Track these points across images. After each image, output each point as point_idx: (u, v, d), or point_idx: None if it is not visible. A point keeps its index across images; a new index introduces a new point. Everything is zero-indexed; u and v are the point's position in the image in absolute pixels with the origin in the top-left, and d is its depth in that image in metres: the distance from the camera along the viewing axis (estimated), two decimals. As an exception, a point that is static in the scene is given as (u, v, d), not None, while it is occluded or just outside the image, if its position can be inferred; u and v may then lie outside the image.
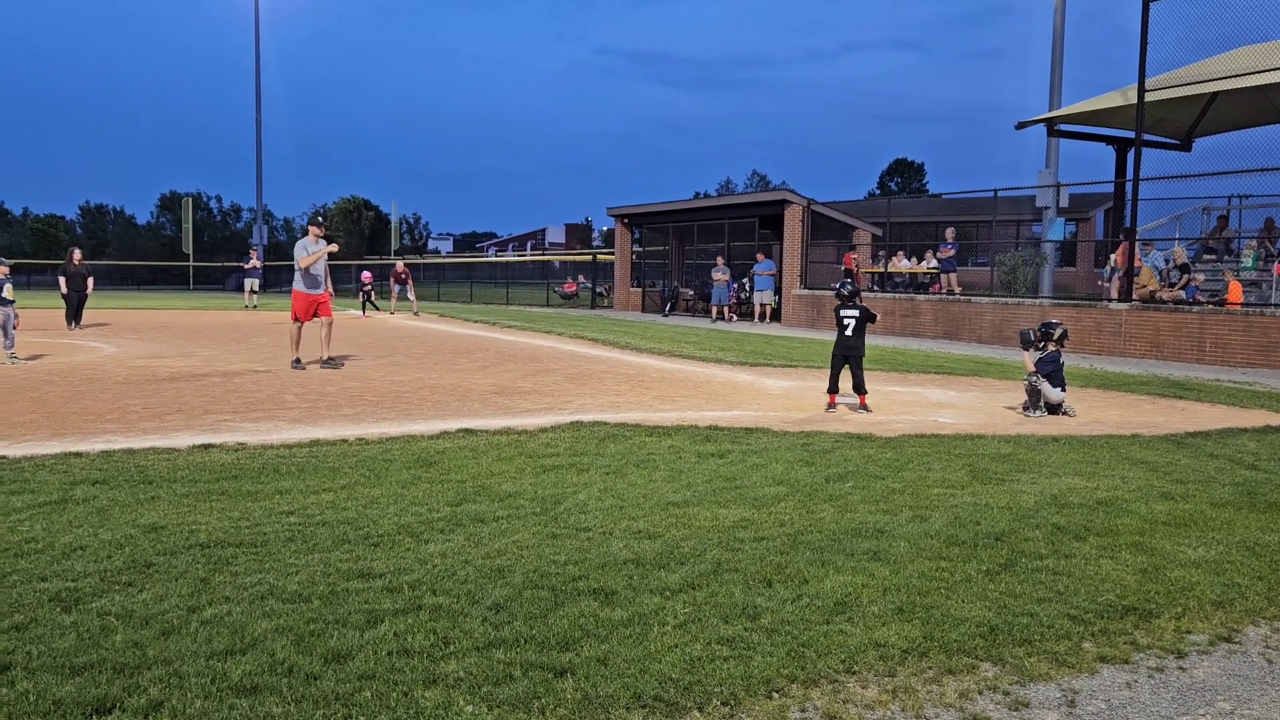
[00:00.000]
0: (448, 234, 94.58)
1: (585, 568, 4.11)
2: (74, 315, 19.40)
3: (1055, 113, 20.66)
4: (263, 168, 53.38)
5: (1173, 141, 20.71)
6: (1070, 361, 11.12)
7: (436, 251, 76.69)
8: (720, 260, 26.51)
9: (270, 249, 52.57)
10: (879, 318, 9.60)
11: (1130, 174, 17.01)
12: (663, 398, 9.92)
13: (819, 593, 3.87)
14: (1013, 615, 3.69)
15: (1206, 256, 18.86)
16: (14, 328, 12.70)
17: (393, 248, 54.97)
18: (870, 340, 9.38)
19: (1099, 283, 19.24)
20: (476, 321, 24.48)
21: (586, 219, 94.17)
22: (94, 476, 5.63)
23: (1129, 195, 16.82)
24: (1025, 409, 9.08)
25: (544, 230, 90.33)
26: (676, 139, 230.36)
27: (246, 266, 33.15)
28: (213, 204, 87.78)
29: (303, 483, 5.61)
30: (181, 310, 29.38)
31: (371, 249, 60.00)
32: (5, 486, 5.35)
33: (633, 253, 33.87)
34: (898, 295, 22.14)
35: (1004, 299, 18.87)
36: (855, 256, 24.78)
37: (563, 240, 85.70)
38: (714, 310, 26.20)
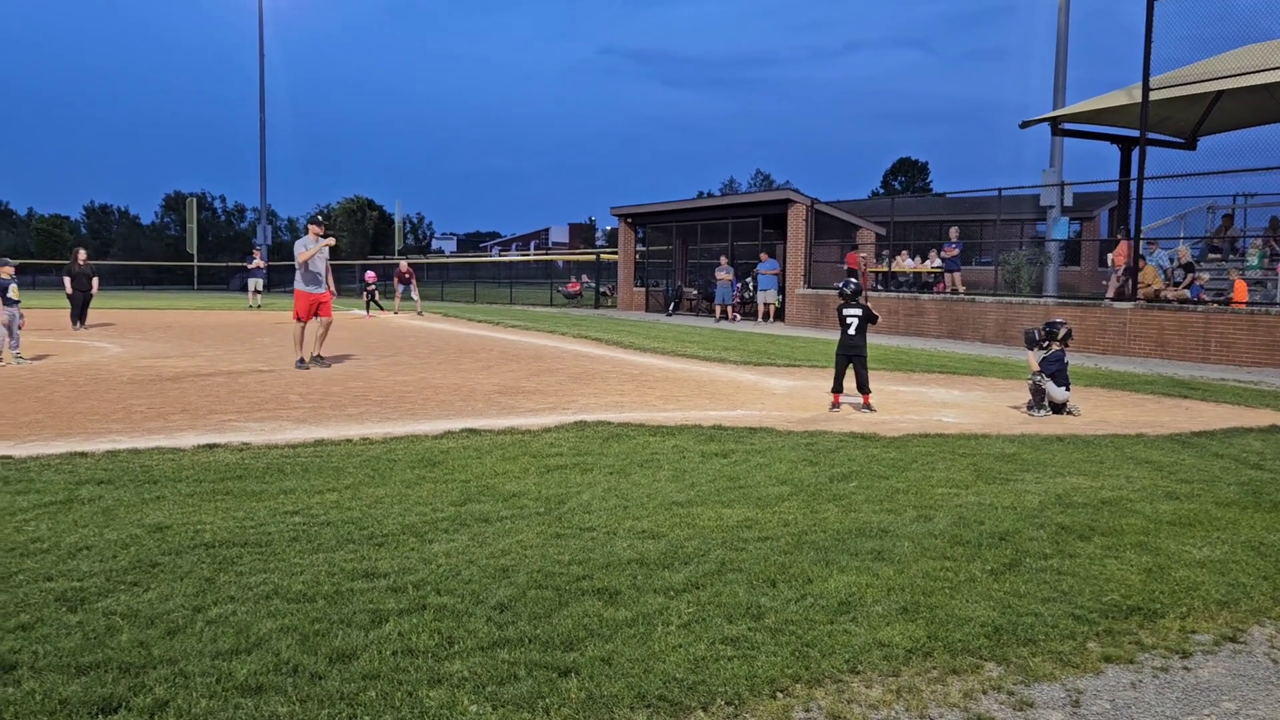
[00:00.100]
0: (451, 234, 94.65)
1: (589, 567, 4.12)
2: (79, 315, 19.45)
3: (1059, 111, 20.63)
4: (266, 168, 53.52)
5: (1177, 140, 20.67)
6: (1075, 361, 11.10)
7: (440, 251, 76.76)
8: (724, 260, 26.50)
9: (274, 249, 52.65)
10: (882, 318, 9.58)
11: (1135, 173, 16.99)
12: (666, 397, 9.92)
13: (823, 592, 3.86)
14: (1017, 615, 3.68)
15: (1211, 255, 18.82)
16: (19, 328, 12.74)
17: (396, 247, 55.04)
18: (874, 339, 9.38)
19: (1103, 282, 19.19)
20: (480, 321, 24.50)
21: (590, 219, 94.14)
22: (99, 476, 5.65)
23: (1133, 194, 16.79)
24: (1029, 408, 9.07)
25: (548, 230, 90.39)
26: (680, 138, 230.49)
27: (250, 266, 33.21)
28: (217, 204, 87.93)
29: (307, 483, 5.62)
30: (186, 310, 29.43)
31: (375, 249, 60.04)
32: (11, 486, 5.37)
33: (636, 252, 33.87)
34: (902, 294, 22.12)
35: (1008, 298, 18.84)
36: (866, 257, 24.76)
37: (566, 240, 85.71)
38: (717, 310, 26.19)
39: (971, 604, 3.79)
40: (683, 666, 3.15)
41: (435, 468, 6.09)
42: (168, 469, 5.93)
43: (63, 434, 7.18)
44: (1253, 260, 16.92)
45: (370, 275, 29.55)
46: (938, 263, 22.66)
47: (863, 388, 9.00)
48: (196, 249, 58.21)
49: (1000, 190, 20.32)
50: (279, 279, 46.19)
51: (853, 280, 9.56)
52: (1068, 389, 9.05)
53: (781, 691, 3.02)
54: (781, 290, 25.69)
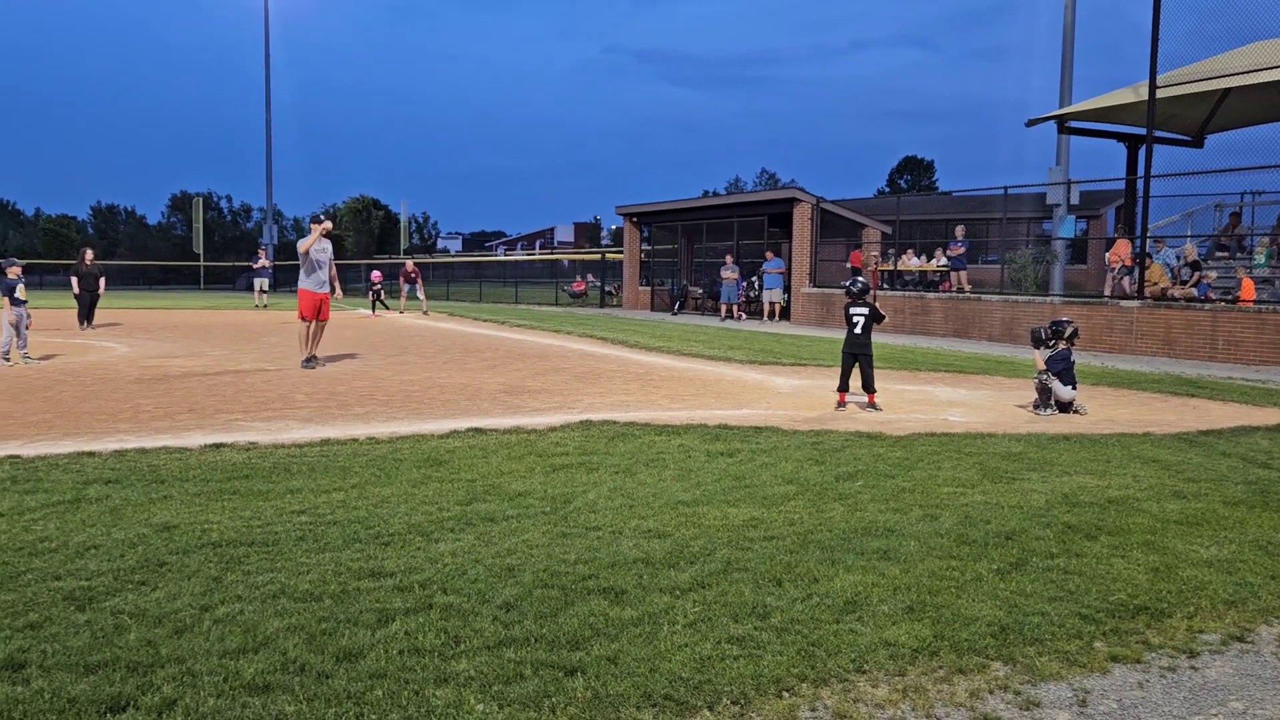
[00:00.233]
0: (457, 233, 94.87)
1: (595, 567, 4.12)
2: (86, 315, 19.51)
3: (1066, 110, 20.57)
4: (273, 167, 53.67)
5: (1184, 138, 20.60)
6: (1081, 359, 11.08)
7: (445, 251, 76.85)
8: (729, 259, 26.50)
9: (280, 248, 52.74)
10: (889, 317, 9.56)
11: (1141, 171, 16.93)
12: (672, 396, 9.92)
13: (829, 592, 3.86)
14: (1024, 614, 3.68)
15: (1219, 253, 18.76)
16: (27, 328, 12.78)
17: (402, 247, 55.12)
18: (880, 338, 9.37)
19: (1118, 281, 19.10)
20: (485, 320, 24.52)
21: (595, 218, 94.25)
22: (107, 476, 5.67)
23: (1140, 192, 16.74)
24: (1036, 407, 9.05)
25: (553, 229, 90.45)
26: (685, 137, 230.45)
27: (255, 266, 33.27)
28: (223, 204, 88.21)
29: (314, 482, 5.63)
30: (192, 310, 29.51)
31: (381, 248, 60.13)
32: (19, 486, 5.39)
33: (641, 251, 33.87)
34: (907, 293, 22.08)
35: (1014, 297, 18.80)
36: (875, 255, 24.71)
37: (571, 239, 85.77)
38: (723, 309, 26.18)
39: (978, 603, 3.79)
40: (689, 666, 3.15)
41: (441, 467, 6.10)
42: (175, 468, 5.95)
43: (70, 433, 7.21)
44: (1260, 258, 16.86)
45: (376, 275, 29.59)
46: (943, 261, 22.61)
47: (868, 387, 8.98)
48: (203, 249, 58.38)
49: (1006, 188, 20.27)
50: (285, 278, 46.28)
51: (860, 279, 9.54)
52: (1074, 388, 9.03)
53: (788, 691, 3.02)
54: (787, 289, 25.67)
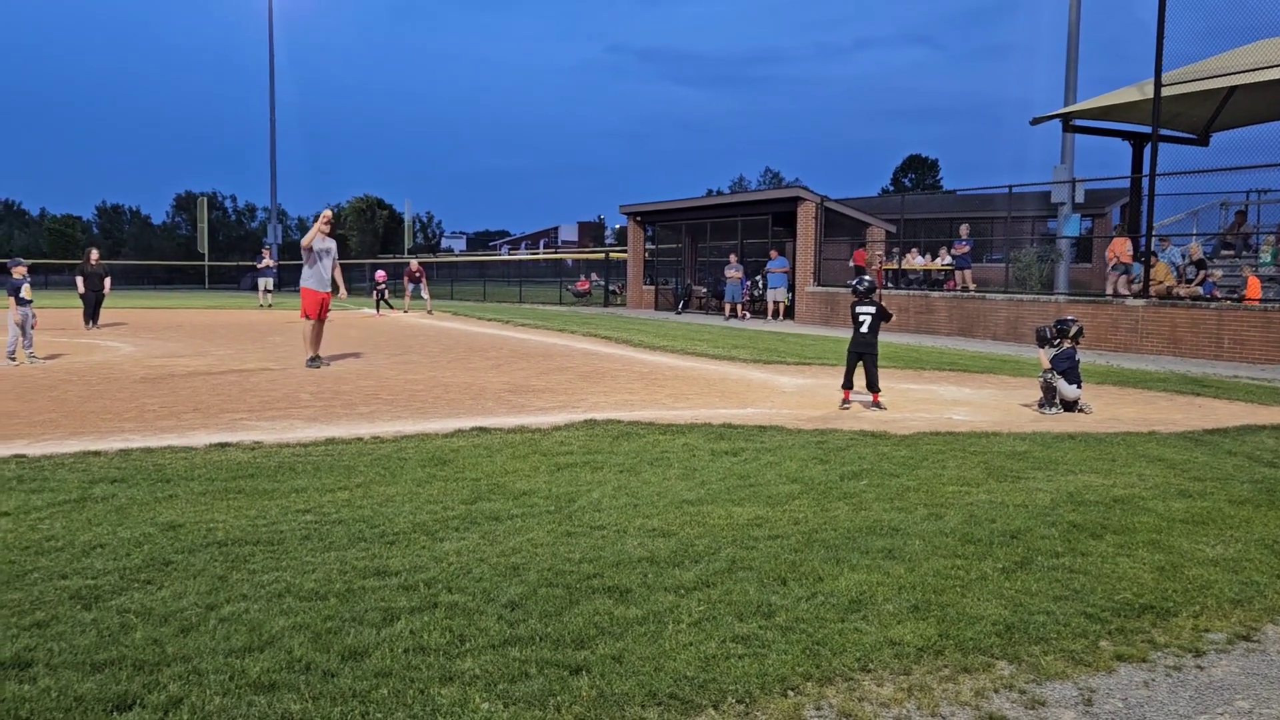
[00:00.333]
0: (461, 232, 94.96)
1: (600, 566, 4.12)
2: (91, 315, 19.55)
3: (1071, 108, 20.52)
4: (277, 167, 53.73)
5: (1190, 136, 20.54)
6: (1086, 358, 11.06)
7: (450, 250, 76.92)
8: (733, 258, 26.47)
9: (284, 248, 52.83)
10: (894, 316, 9.54)
11: (1147, 169, 16.89)
12: (676, 396, 9.92)
13: (834, 591, 3.86)
14: (1029, 613, 3.67)
15: (1225, 252, 18.71)
16: (32, 327, 12.81)
17: (406, 246, 55.16)
18: (884, 337, 9.36)
19: (1118, 279, 19.06)
20: (490, 320, 24.54)
21: (599, 217, 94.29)
22: (112, 475, 5.68)
23: (1145, 191, 16.70)
24: (1041, 406, 9.04)
25: (557, 228, 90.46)
26: (689, 136, 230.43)
27: (260, 266, 33.32)
28: (227, 204, 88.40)
29: (319, 481, 5.64)
30: (197, 309, 29.57)
31: (385, 248, 60.21)
32: (25, 485, 5.41)
33: (645, 250, 33.86)
34: (912, 292, 22.05)
35: (1019, 295, 18.77)
36: (879, 254, 24.68)
37: (575, 238, 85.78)
38: (727, 308, 26.16)
39: (983, 602, 3.78)
40: (694, 664, 3.15)
41: (446, 466, 6.10)
42: (180, 467, 5.96)
43: (76, 433, 7.23)
44: (1266, 257, 16.80)
45: (380, 274, 29.60)
46: (948, 260, 22.58)
47: (873, 386, 8.97)
48: (207, 248, 58.48)
49: (1011, 187, 20.25)
50: (289, 278, 46.35)
51: (867, 277, 9.53)
52: (1079, 386, 9.01)
53: (793, 690, 3.02)
54: (791, 288, 25.65)
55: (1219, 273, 16.82)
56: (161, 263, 63.37)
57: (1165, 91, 16.11)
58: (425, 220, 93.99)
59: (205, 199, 64.68)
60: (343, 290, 12.92)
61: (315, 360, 12.32)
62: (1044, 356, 9.09)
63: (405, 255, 47.48)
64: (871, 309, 9.07)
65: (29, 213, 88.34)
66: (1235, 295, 15.56)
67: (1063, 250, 20.26)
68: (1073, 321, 9.23)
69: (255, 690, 2.92)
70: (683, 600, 3.73)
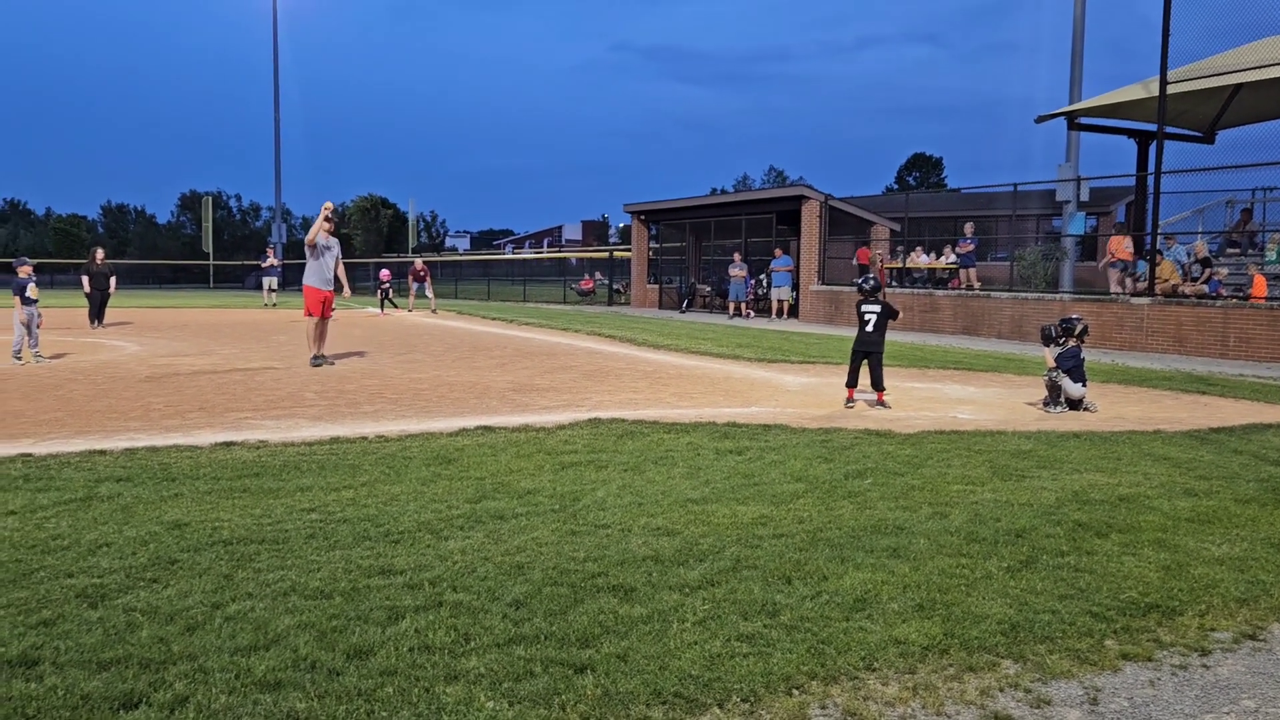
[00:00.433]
0: (465, 231, 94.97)
1: (604, 565, 4.12)
2: (97, 314, 19.60)
3: (1076, 106, 20.47)
4: (281, 167, 53.79)
5: (1195, 134, 20.48)
6: (1091, 357, 11.03)
7: (454, 249, 76.96)
8: (737, 256, 26.45)
9: (288, 247, 52.88)
10: (901, 314, 9.52)
11: (1152, 167, 16.85)
12: (680, 395, 9.92)
13: (838, 590, 3.86)
14: (1034, 612, 3.67)
15: (1230, 250, 18.65)
16: (38, 326, 12.84)
17: (410, 245, 55.20)
18: (889, 336, 9.34)
19: (1122, 277, 19.03)
20: (494, 319, 24.55)
21: (603, 216, 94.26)
22: (118, 474, 5.70)
23: (1151, 189, 16.66)
24: (1046, 405, 9.02)
25: (561, 227, 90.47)
26: (693, 135, 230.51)
27: (264, 265, 33.35)
28: (232, 203, 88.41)
29: (323, 480, 5.65)
30: (202, 309, 29.62)
31: (389, 247, 60.26)
32: (32, 484, 5.42)
33: (649, 249, 33.84)
34: (916, 290, 22.02)
35: (1024, 294, 18.74)
36: (881, 254, 24.65)
37: (579, 237, 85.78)
38: (731, 306, 26.15)
39: (988, 601, 3.78)
40: (698, 663, 3.15)
41: (450, 465, 6.11)
42: (185, 466, 5.97)
43: (82, 432, 7.25)
44: (1272, 255, 16.75)
45: (385, 273, 29.63)
46: (952, 258, 22.54)
47: (877, 384, 8.96)
48: (212, 247, 58.57)
49: (1015, 185, 20.20)
50: (293, 277, 46.42)
51: (872, 276, 9.52)
52: (1084, 385, 9.00)
53: (797, 689, 3.02)
54: (795, 287, 25.63)
55: (1224, 271, 16.77)
56: (166, 262, 63.47)
57: (1171, 89, 16.06)
58: (429, 219, 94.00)
59: (210, 198, 64.69)
60: (346, 289, 12.92)
61: (319, 359, 12.33)
62: (1049, 355, 9.08)
63: (409, 254, 47.53)
64: (876, 307, 9.06)
65: (34, 212, 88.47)
66: (1241, 293, 15.51)
67: (1067, 248, 20.22)
68: (1078, 320, 9.22)
69: (261, 688, 2.93)
70: (687, 599, 3.73)
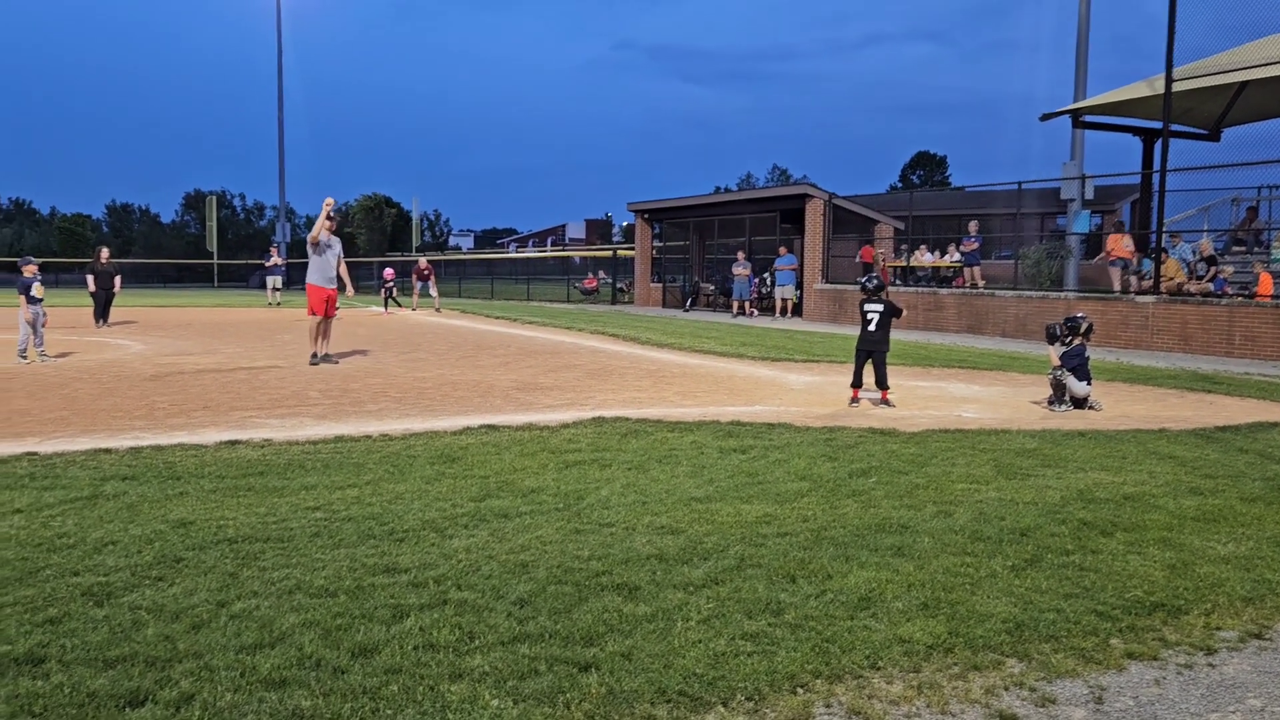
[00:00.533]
0: (469, 230, 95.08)
1: (608, 563, 4.12)
2: (102, 313, 19.64)
3: (1081, 104, 20.43)
4: (285, 166, 53.87)
5: (1201, 131, 20.43)
6: (1096, 355, 11.01)
7: (457, 248, 77.03)
8: (741, 255, 26.43)
9: (292, 246, 52.96)
10: (905, 312, 9.50)
11: (1157, 165, 16.81)
12: (684, 393, 9.92)
13: (843, 588, 3.86)
14: (1039, 611, 3.66)
15: (1236, 248, 18.61)
16: (43, 325, 12.87)
17: (414, 244, 55.29)
18: (892, 334, 9.32)
19: (1125, 276, 19.01)
20: (498, 318, 24.57)
21: (607, 215, 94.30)
22: (123, 472, 5.71)
23: (1156, 187, 16.62)
24: (1050, 403, 9.01)
25: (564, 226, 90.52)
26: (697, 133, 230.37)
27: (268, 264, 33.41)
28: (236, 202, 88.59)
29: (328, 478, 5.66)
30: (206, 308, 29.68)
31: (393, 246, 60.36)
32: (37, 482, 5.44)
33: (653, 248, 33.84)
34: (920, 289, 22.00)
35: (1028, 293, 18.70)
36: (884, 253, 24.60)
37: (583, 236, 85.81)
38: (735, 305, 26.14)
39: (992, 600, 3.78)
40: (703, 662, 3.15)
41: (454, 464, 6.11)
42: (190, 465, 5.99)
43: (87, 430, 7.26)
44: (1277, 253, 16.70)
45: (389, 272, 29.65)
46: (957, 257, 22.51)
47: (881, 383, 8.96)
48: (216, 247, 58.69)
49: (1020, 183, 20.17)
50: (297, 276, 46.48)
51: (876, 275, 9.51)
52: (1089, 384, 8.98)
53: (802, 687, 3.02)
54: (799, 285, 25.60)
55: (1230, 269, 16.74)
56: (171, 261, 63.59)
57: (1176, 87, 16.02)
58: (433, 218, 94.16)
59: (214, 197, 64.84)
60: (350, 289, 12.92)
61: (323, 358, 12.35)
62: (1053, 353, 9.06)
63: (413, 253, 47.58)
64: (879, 306, 9.05)
65: (39, 211, 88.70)
66: (1247, 291, 15.47)
67: (1072, 247, 20.18)
68: (1082, 318, 9.20)
69: (266, 687, 2.93)
70: (691, 598, 3.73)
